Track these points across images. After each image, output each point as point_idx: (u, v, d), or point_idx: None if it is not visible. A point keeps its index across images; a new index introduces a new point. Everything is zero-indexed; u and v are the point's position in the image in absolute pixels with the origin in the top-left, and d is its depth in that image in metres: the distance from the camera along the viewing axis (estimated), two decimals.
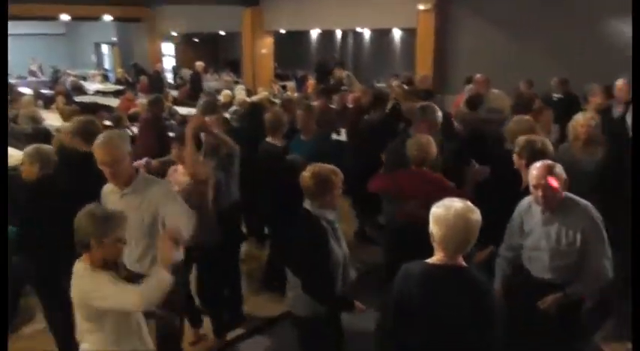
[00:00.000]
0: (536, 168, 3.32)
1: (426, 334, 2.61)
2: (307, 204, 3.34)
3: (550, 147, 3.95)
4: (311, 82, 14.46)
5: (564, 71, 9.02)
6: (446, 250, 2.58)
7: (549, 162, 3.37)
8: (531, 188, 3.33)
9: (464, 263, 2.63)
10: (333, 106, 8.42)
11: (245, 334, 4.86)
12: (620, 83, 7.04)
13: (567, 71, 9.15)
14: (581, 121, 4.90)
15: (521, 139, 3.99)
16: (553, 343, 3.41)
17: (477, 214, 2.57)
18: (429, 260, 2.66)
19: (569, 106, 7.74)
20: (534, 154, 3.75)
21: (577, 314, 3.50)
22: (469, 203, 2.61)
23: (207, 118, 4.81)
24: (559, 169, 3.30)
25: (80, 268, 2.87)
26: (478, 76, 8.38)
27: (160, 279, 2.85)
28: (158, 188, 3.60)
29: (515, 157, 3.91)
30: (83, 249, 2.84)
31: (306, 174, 3.31)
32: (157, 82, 15.31)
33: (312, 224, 3.28)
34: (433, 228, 2.59)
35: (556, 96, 8.25)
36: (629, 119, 4.79)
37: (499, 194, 4.07)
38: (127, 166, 3.53)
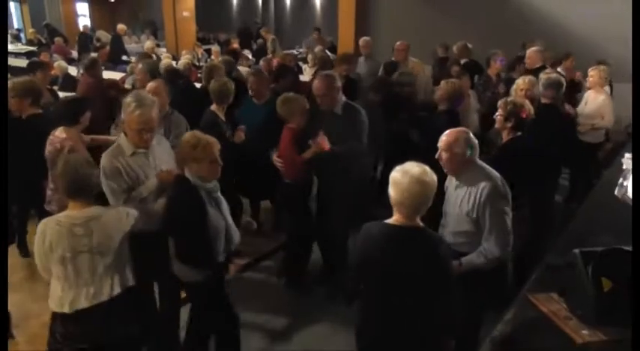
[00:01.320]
0: (445, 133, 3.43)
1: (390, 293, 2.75)
2: (187, 172, 3.30)
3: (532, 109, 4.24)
4: (234, 46, 14.23)
5: (478, 38, 9.36)
6: (403, 212, 2.74)
7: (462, 128, 3.51)
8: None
9: (421, 224, 2.77)
10: None
11: None
12: (530, 52, 7.45)
13: (480, 38, 9.49)
14: (522, 84, 5.24)
15: (506, 101, 4.23)
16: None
17: (432, 177, 2.71)
18: (388, 221, 2.79)
19: (472, 71, 8.06)
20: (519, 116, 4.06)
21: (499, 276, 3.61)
22: (426, 167, 2.72)
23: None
24: (470, 135, 3.41)
25: None
26: (397, 43, 8.45)
27: None
28: (164, 143, 3.84)
29: (499, 118, 4.14)
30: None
31: (186, 140, 3.28)
32: (84, 43, 14.67)
33: (189, 194, 3.26)
34: (391, 191, 2.73)
35: (462, 61, 8.42)
36: None
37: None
38: None
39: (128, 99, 3.48)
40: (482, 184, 3.32)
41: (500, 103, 4.29)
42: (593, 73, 6.53)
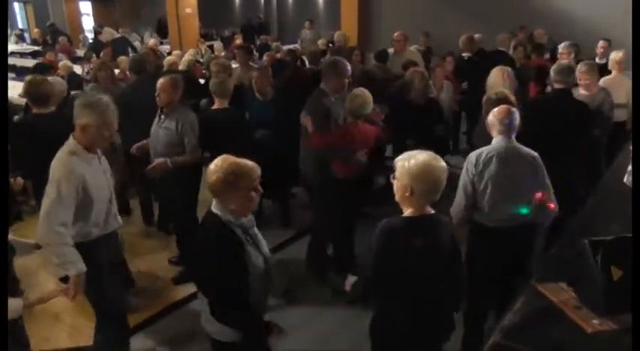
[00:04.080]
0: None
1: (420, 283, 2.75)
2: (215, 207, 2.73)
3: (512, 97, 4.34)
4: (238, 41, 14.29)
5: (482, 27, 9.42)
6: (421, 201, 2.70)
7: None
8: None
9: (432, 210, 2.77)
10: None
11: None
12: (561, 47, 7.43)
13: (485, 27, 9.56)
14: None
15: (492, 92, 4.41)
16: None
17: (443, 162, 2.70)
18: (406, 214, 2.74)
19: (479, 64, 8.14)
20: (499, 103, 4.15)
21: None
22: (433, 153, 2.71)
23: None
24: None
25: None
26: (395, 34, 8.63)
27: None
28: None
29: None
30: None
31: (222, 168, 2.66)
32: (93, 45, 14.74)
33: (222, 237, 2.67)
34: (405, 180, 2.66)
35: (465, 55, 8.55)
36: None
37: None
38: None
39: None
40: None
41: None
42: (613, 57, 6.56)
